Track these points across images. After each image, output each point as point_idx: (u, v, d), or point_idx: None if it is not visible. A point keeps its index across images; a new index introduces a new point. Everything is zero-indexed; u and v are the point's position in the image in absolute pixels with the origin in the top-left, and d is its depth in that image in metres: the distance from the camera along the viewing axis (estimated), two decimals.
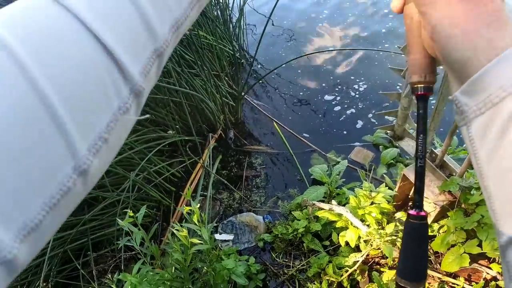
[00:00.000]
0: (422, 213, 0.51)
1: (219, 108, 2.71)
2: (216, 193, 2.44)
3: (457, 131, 1.44)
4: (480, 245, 1.37)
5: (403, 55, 1.39)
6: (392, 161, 2.37)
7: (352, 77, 3.09)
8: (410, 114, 1.58)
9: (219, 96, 2.64)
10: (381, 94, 1.70)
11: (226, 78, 3.13)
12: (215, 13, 3.32)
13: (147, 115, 1.20)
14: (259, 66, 3.50)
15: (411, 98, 1.49)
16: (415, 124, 1.65)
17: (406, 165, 2.06)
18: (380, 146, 2.49)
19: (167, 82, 2.27)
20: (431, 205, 1.68)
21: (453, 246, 1.53)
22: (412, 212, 0.50)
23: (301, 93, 3.05)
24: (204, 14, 3.03)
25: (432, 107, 1.41)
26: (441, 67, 0.66)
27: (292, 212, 2.10)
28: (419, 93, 0.49)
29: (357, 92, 2.95)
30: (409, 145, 1.71)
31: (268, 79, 3.27)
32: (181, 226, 1.45)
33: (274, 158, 2.61)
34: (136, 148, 2.10)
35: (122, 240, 1.49)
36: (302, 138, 2.65)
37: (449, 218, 1.51)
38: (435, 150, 1.61)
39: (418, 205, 0.51)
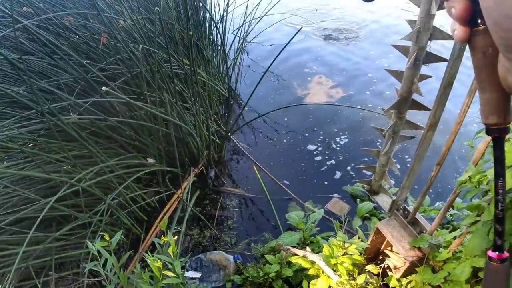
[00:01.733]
0: (504, 255, 0.49)
1: (204, 144, 2.75)
2: (187, 228, 2.42)
3: (430, 190, 1.52)
4: None
5: (385, 116, 1.49)
6: (367, 214, 2.43)
7: (335, 130, 3.22)
8: (387, 171, 1.67)
9: (206, 132, 2.69)
10: (362, 150, 1.78)
11: (215, 116, 3.20)
12: (211, 53, 3.46)
13: None
14: (247, 108, 3.61)
15: (390, 156, 1.58)
16: (391, 181, 1.74)
17: (380, 219, 2.12)
18: (358, 199, 2.56)
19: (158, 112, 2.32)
20: (400, 259, 1.72)
21: None
22: (492, 254, 0.49)
23: (284, 140, 3.14)
24: (201, 53, 3.17)
25: (408, 165, 1.50)
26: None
27: (264, 255, 2.09)
28: (496, 135, 0.45)
29: (338, 145, 3.06)
30: (383, 200, 1.78)
31: (256, 123, 3.37)
32: (153, 256, 1.44)
33: (249, 201, 2.63)
34: (117, 172, 2.10)
35: (89, 264, 1.46)
36: (281, 185, 2.69)
37: (417, 273, 1.54)
38: (408, 208, 1.68)
39: (499, 247, 0.49)
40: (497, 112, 0.42)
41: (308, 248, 1.79)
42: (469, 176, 1.07)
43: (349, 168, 2.81)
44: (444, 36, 1.22)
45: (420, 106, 1.35)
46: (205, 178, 2.77)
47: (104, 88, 1.67)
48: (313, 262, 1.74)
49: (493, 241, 0.50)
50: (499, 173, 0.48)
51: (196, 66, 2.75)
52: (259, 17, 3.73)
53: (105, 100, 2.20)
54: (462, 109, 1.17)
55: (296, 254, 1.82)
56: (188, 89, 2.45)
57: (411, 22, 1.26)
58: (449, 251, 1.48)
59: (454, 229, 1.91)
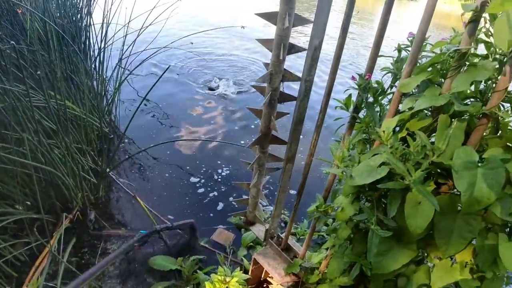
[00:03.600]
0: None
1: (78, 184, 2.52)
2: (61, 285, 2.15)
3: (306, 222, 1.64)
4: None
5: (251, 150, 1.57)
6: (251, 243, 2.49)
7: (218, 162, 3.28)
8: (259, 202, 1.75)
9: (78, 172, 2.47)
10: (235, 184, 1.84)
11: (92, 153, 2.98)
12: (90, 83, 3.26)
13: None
14: (129, 143, 3.46)
15: (259, 188, 1.66)
16: (263, 212, 1.81)
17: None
18: (242, 229, 2.61)
19: (20, 152, 2.06)
20: (278, 286, 1.79)
21: None
22: None
23: (166, 175, 3.07)
24: (76, 85, 2.96)
25: (275, 195, 1.59)
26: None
27: None
28: None
29: (220, 176, 3.11)
30: (259, 230, 1.85)
31: (138, 158, 3.24)
32: None
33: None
34: None
35: None
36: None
37: None
38: (281, 235, 1.77)
39: None
40: None
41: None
42: (316, 206, 1.17)
43: (231, 199, 2.86)
44: (294, 78, 1.36)
45: (279, 141, 1.46)
46: (84, 222, 2.51)
47: None
48: None
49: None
50: None
51: (65, 99, 2.55)
52: (143, 50, 3.67)
53: None
54: (312, 143, 1.30)
55: None
56: (56, 124, 2.24)
57: (266, 65, 1.37)
58: (319, 273, 1.59)
59: None
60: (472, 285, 0.88)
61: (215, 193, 2.92)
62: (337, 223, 1.22)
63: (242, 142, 3.67)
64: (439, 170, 0.89)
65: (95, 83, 3.44)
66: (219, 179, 3.08)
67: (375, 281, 1.09)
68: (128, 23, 3.41)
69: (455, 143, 0.85)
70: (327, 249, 1.57)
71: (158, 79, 2.23)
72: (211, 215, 2.72)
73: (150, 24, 3.47)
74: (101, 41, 3.39)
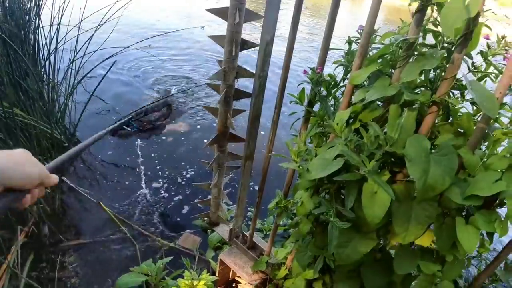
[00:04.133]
0: None
1: None
2: None
3: (272, 217, 1.62)
4: None
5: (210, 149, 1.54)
6: (218, 244, 2.45)
7: (183, 163, 3.22)
8: (221, 202, 1.72)
9: None
10: (194, 185, 1.80)
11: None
12: (40, 90, 3.08)
13: None
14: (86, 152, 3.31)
15: (220, 187, 1.63)
16: (229, 211, 1.79)
17: None
18: (208, 230, 2.57)
19: None
20: (247, 285, 1.77)
21: None
22: None
23: (127, 182, 2.97)
24: (25, 91, 2.79)
25: (238, 195, 1.57)
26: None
27: None
28: None
29: (184, 179, 3.05)
30: (224, 230, 1.82)
31: (95, 164, 3.11)
32: None
33: (92, 248, 2.37)
34: None
35: None
36: (133, 224, 2.52)
37: None
38: (246, 233, 1.75)
39: None
40: None
41: None
42: (276, 202, 1.16)
43: (197, 200, 2.82)
44: (248, 74, 1.34)
45: (237, 139, 1.44)
46: (39, 236, 2.37)
47: None
48: None
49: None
50: None
51: (14, 106, 2.39)
52: (96, 50, 3.51)
53: None
54: (269, 139, 1.29)
55: None
56: (4, 134, 2.10)
57: (220, 62, 1.34)
58: (286, 268, 1.59)
59: None
60: (434, 269, 0.90)
61: (180, 196, 2.85)
62: (298, 217, 1.21)
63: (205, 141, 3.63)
64: (393, 159, 0.90)
65: (45, 88, 3.25)
66: (183, 182, 3.02)
67: (339, 272, 1.10)
68: (80, 23, 3.24)
69: (407, 132, 0.86)
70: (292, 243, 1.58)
71: (104, 76, 2.14)
72: (177, 219, 2.66)
73: (104, 22, 3.30)
74: (50, 43, 3.21)
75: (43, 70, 3.38)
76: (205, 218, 1.84)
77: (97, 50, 3.46)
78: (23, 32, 3.16)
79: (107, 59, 3.32)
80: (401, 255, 0.96)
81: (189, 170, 3.15)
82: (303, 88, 1.07)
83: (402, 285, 1.01)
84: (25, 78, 2.89)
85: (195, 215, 2.00)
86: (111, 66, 2.18)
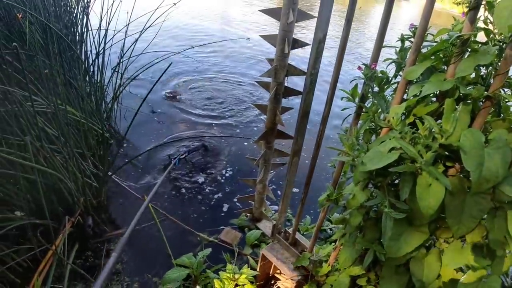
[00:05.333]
0: None
1: (80, 189, 2.52)
2: (70, 285, 2.15)
3: (309, 218, 1.65)
4: None
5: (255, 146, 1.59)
6: (256, 242, 2.50)
7: (224, 162, 3.31)
8: (265, 198, 1.76)
9: (81, 176, 2.48)
10: (241, 180, 1.85)
11: (92, 158, 2.98)
12: (88, 90, 3.27)
13: None
14: (130, 146, 3.48)
15: (265, 183, 1.68)
16: (270, 208, 1.83)
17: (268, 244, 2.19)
18: (245, 228, 2.62)
19: (22, 157, 2.06)
20: (286, 282, 1.80)
21: None
22: None
23: (173, 175, 3.08)
24: (75, 89, 2.97)
25: (280, 192, 1.61)
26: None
27: None
28: None
29: (224, 178, 3.13)
30: (266, 226, 1.86)
31: (140, 163, 3.26)
32: None
33: (138, 239, 2.48)
34: None
35: None
36: (174, 219, 2.61)
37: None
38: (288, 230, 1.79)
39: None
40: None
41: (198, 287, 1.74)
42: (328, 195, 1.19)
43: (235, 199, 2.88)
44: (298, 72, 1.38)
45: (284, 136, 1.48)
46: (84, 227, 2.52)
47: None
48: None
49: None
50: None
51: (66, 104, 2.55)
52: (141, 53, 3.68)
53: None
54: (318, 135, 1.32)
55: None
56: (57, 129, 2.24)
57: (270, 60, 1.40)
58: (329, 265, 1.61)
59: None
60: (484, 264, 0.90)
61: (220, 194, 2.94)
62: (346, 212, 1.24)
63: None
64: (447, 153, 0.92)
65: (93, 88, 3.45)
66: (222, 180, 3.10)
67: (388, 267, 1.11)
68: (127, 25, 3.41)
69: (461, 126, 0.88)
70: (335, 242, 1.59)
71: (157, 80, 2.25)
72: (215, 216, 2.73)
73: (149, 26, 3.47)
74: (99, 46, 3.40)
75: (91, 71, 3.58)
76: (247, 214, 1.90)
77: (141, 53, 3.64)
78: (70, 35, 3.36)
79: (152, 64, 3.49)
80: (451, 250, 0.96)
81: (228, 169, 3.23)
82: (356, 84, 1.10)
83: (450, 282, 1.01)
84: (75, 78, 3.08)
85: (238, 210, 2.05)
86: (167, 68, 2.28)
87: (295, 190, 2.89)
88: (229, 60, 6.33)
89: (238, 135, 3.80)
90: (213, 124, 4.02)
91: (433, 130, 0.86)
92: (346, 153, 1.04)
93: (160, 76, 2.27)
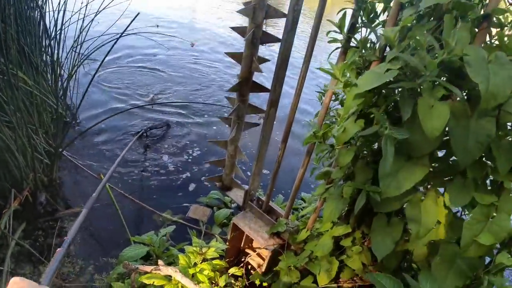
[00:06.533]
0: None
1: (29, 164, 2.26)
2: (16, 267, 1.91)
3: (281, 196, 1.53)
4: (315, 281, 1.37)
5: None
6: (225, 220, 2.36)
7: (187, 142, 3.13)
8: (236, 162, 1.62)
9: (30, 150, 2.21)
10: (209, 142, 1.70)
11: (45, 136, 2.69)
12: (45, 59, 2.98)
13: None
14: (84, 123, 3.24)
15: (236, 145, 1.54)
16: (242, 173, 1.69)
17: None
18: (214, 207, 2.48)
19: None
20: (261, 254, 1.67)
21: None
22: None
23: (134, 157, 2.87)
24: (28, 56, 2.68)
25: (254, 151, 1.47)
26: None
27: (112, 285, 1.76)
28: None
29: (190, 157, 2.96)
30: (237, 195, 1.72)
31: (96, 139, 3.02)
32: None
33: (95, 219, 2.26)
34: None
35: None
36: (132, 198, 2.41)
37: (281, 261, 1.50)
38: (261, 198, 1.65)
39: None
40: None
41: (160, 261, 1.56)
42: (314, 132, 1.08)
43: (203, 178, 2.72)
44: (279, 14, 1.26)
45: (260, 88, 1.35)
46: (33, 205, 2.26)
47: None
48: (169, 277, 1.53)
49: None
50: None
51: (18, 68, 2.26)
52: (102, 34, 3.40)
53: None
54: (299, 81, 1.20)
55: (147, 272, 1.57)
56: (6, 96, 1.99)
57: (247, 4, 1.26)
58: (307, 230, 1.48)
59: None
60: (490, 200, 0.82)
61: (188, 173, 2.77)
62: (335, 152, 1.11)
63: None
64: (446, 75, 0.83)
65: (49, 63, 3.15)
66: (190, 160, 2.93)
67: (379, 219, 1.01)
68: (86, 6, 3.15)
69: (463, 42, 0.79)
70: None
71: (111, 47, 2.05)
72: (180, 194, 2.57)
73: (103, 8, 3.20)
74: (56, 22, 3.09)
75: (48, 48, 3.27)
76: (217, 183, 1.75)
77: (102, 35, 3.37)
78: (29, 10, 3.05)
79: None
80: (454, 187, 0.88)
81: (195, 149, 3.07)
82: (344, 13, 0.99)
83: (450, 226, 0.93)
84: (32, 50, 2.78)
85: (206, 177, 1.89)
86: (119, 36, 2.09)
87: (265, 171, 2.76)
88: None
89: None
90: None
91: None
92: (336, 82, 0.93)
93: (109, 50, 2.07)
